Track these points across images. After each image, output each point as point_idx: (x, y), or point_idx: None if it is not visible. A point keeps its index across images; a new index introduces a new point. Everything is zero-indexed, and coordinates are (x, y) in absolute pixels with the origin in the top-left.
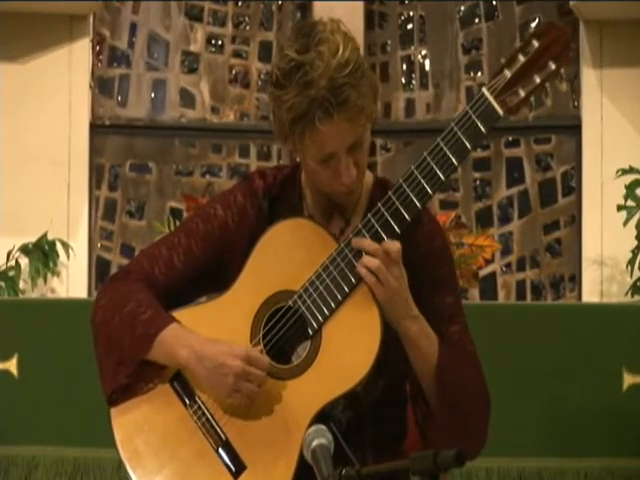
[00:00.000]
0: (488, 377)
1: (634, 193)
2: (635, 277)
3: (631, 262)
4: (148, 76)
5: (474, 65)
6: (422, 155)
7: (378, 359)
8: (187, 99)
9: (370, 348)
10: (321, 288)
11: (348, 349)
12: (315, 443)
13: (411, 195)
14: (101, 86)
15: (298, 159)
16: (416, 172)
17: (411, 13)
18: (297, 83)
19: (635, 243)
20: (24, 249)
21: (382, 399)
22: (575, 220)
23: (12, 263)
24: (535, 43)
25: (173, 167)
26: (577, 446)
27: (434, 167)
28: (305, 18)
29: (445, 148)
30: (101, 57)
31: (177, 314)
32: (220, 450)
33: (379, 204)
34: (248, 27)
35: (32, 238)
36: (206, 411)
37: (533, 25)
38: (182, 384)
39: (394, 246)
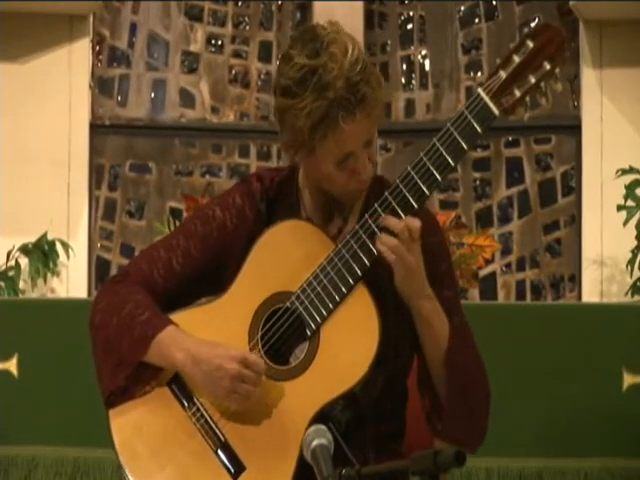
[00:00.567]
0: (488, 377)
1: (634, 193)
2: (635, 277)
3: (631, 262)
4: (148, 76)
5: (474, 65)
6: (418, 155)
7: (377, 359)
8: (187, 99)
9: (368, 348)
10: (319, 289)
11: (346, 349)
12: (315, 443)
13: (407, 195)
14: (101, 86)
15: (301, 165)
16: (412, 172)
17: (411, 13)
18: (313, 88)
19: (635, 243)
20: (24, 249)
21: (382, 395)
22: (575, 220)
23: (12, 263)
24: (530, 44)
25: (173, 167)
26: (577, 446)
27: (430, 167)
28: (305, 18)
29: (441, 148)
30: (101, 57)
31: (175, 316)
32: (219, 451)
33: (376, 205)
34: (248, 27)
35: (32, 238)
36: (204, 412)
37: (533, 25)
38: (180, 386)
39: (415, 223)
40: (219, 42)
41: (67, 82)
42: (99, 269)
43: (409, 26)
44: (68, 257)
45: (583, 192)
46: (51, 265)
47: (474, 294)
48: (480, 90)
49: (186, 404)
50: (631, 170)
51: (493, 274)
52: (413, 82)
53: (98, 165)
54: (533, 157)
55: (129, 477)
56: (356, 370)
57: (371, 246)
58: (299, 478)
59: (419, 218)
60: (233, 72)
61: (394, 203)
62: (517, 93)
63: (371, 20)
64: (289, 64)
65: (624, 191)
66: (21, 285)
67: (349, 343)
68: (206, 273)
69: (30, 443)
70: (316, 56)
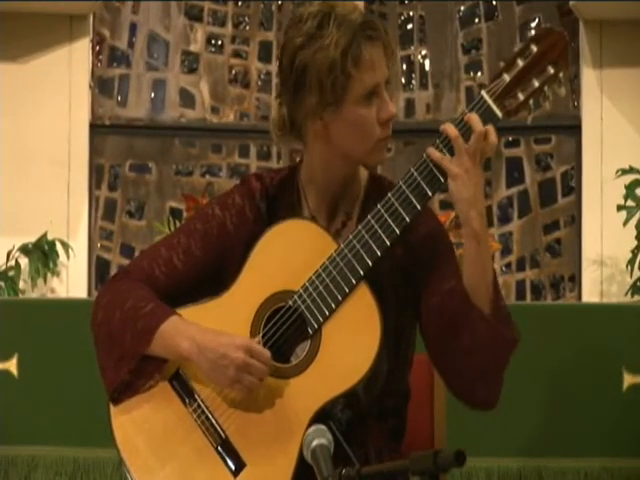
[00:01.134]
0: None
1: (634, 193)
2: (635, 277)
3: (631, 262)
4: (148, 76)
5: (474, 65)
6: (422, 157)
7: (378, 358)
8: (187, 99)
9: (370, 347)
10: (321, 288)
11: (348, 348)
12: (315, 443)
13: (410, 196)
14: (101, 86)
15: (316, 147)
16: (415, 174)
17: (411, 13)
18: (333, 23)
19: (635, 243)
20: (24, 249)
21: (383, 394)
22: (575, 220)
23: (12, 263)
24: (534, 48)
25: (173, 167)
26: (577, 446)
27: (433, 169)
28: None
29: (445, 150)
30: (101, 57)
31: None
32: (220, 448)
33: (378, 205)
34: (248, 27)
35: (32, 238)
36: (205, 409)
37: (533, 25)
38: (181, 383)
39: (493, 137)
40: (219, 42)
41: (67, 82)
42: (99, 269)
43: (409, 26)
44: (68, 257)
45: (583, 192)
46: (51, 265)
47: None
48: (484, 92)
49: (187, 401)
50: (631, 170)
51: None
52: (413, 82)
53: (98, 165)
54: (533, 157)
55: (131, 473)
56: (357, 369)
57: (373, 246)
58: (299, 477)
59: (421, 218)
60: (233, 72)
61: (397, 204)
62: (521, 96)
63: None
64: (301, 22)
65: (624, 191)
66: (21, 285)
67: (351, 342)
68: (207, 271)
69: (30, 443)
70: (325, 4)
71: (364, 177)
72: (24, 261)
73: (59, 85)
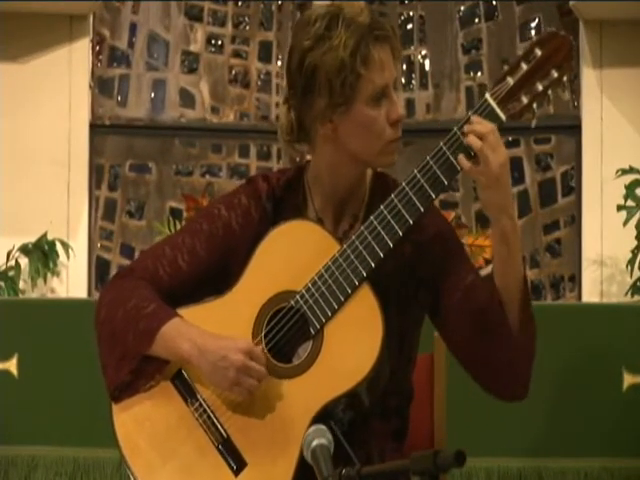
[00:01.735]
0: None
1: (634, 193)
2: (635, 277)
3: (631, 262)
4: (148, 76)
5: (474, 65)
6: (425, 159)
7: (380, 358)
8: (187, 99)
9: (372, 348)
10: (323, 288)
11: (350, 348)
12: (315, 443)
13: (414, 198)
14: (101, 86)
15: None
16: (419, 175)
17: (411, 13)
18: (342, 25)
19: (635, 243)
20: (24, 249)
21: (386, 394)
22: (575, 220)
23: (12, 263)
24: (538, 51)
25: (173, 167)
26: (577, 446)
27: (437, 171)
28: None
29: (448, 152)
30: (101, 57)
31: (179, 313)
32: (221, 447)
33: (382, 206)
34: (248, 27)
35: (32, 238)
36: (207, 408)
37: (533, 25)
38: (183, 383)
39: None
40: (219, 42)
41: (67, 82)
42: (99, 269)
43: (409, 26)
44: (68, 257)
45: (583, 192)
46: (51, 265)
47: None
48: (487, 95)
49: (188, 400)
50: (631, 170)
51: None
52: (413, 82)
53: (98, 165)
54: (533, 157)
55: (132, 471)
56: (359, 369)
57: (376, 247)
58: (300, 477)
59: (428, 217)
60: (233, 72)
61: (400, 206)
62: (524, 100)
63: None
64: (309, 24)
65: (624, 191)
66: (21, 285)
67: (353, 342)
68: (211, 272)
69: (30, 443)
70: (334, 5)
71: (368, 176)
72: (24, 261)
73: (59, 85)
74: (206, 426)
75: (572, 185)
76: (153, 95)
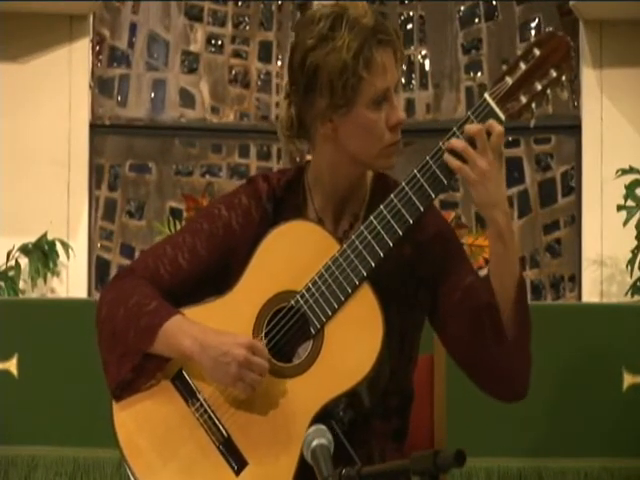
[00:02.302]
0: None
1: (634, 193)
2: (635, 277)
3: (631, 262)
4: (148, 76)
5: (474, 65)
6: (424, 159)
7: (380, 358)
8: (187, 99)
9: (372, 347)
10: (323, 288)
11: (350, 348)
12: (315, 443)
13: (413, 198)
14: (101, 86)
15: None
16: (418, 175)
17: (411, 13)
18: (346, 26)
19: (635, 243)
20: (24, 249)
21: (387, 393)
22: (575, 220)
23: (12, 263)
24: (536, 51)
25: (173, 167)
26: (577, 446)
27: (436, 170)
28: None
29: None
30: (101, 57)
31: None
32: (222, 447)
33: (381, 206)
34: (248, 27)
35: (32, 238)
36: (208, 408)
37: (533, 25)
38: (184, 383)
39: (497, 128)
40: (219, 42)
41: (67, 82)
42: (99, 269)
43: (409, 26)
44: (68, 257)
45: (583, 192)
46: (51, 265)
47: None
48: (486, 95)
49: (189, 400)
50: (631, 170)
51: None
52: (413, 82)
53: (98, 165)
54: (533, 157)
55: (132, 471)
56: (359, 369)
57: (376, 247)
58: (301, 477)
59: (428, 217)
60: (233, 72)
61: (399, 205)
62: (523, 99)
63: None
64: (312, 23)
65: (624, 191)
66: (21, 285)
67: (353, 342)
68: (211, 271)
69: (30, 443)
70: (338, 5)
71: (369, 176)
72: (24, 261)
73: (59, 85)
74: (207, 426)
75: (572, 185)
76: (153, 95)
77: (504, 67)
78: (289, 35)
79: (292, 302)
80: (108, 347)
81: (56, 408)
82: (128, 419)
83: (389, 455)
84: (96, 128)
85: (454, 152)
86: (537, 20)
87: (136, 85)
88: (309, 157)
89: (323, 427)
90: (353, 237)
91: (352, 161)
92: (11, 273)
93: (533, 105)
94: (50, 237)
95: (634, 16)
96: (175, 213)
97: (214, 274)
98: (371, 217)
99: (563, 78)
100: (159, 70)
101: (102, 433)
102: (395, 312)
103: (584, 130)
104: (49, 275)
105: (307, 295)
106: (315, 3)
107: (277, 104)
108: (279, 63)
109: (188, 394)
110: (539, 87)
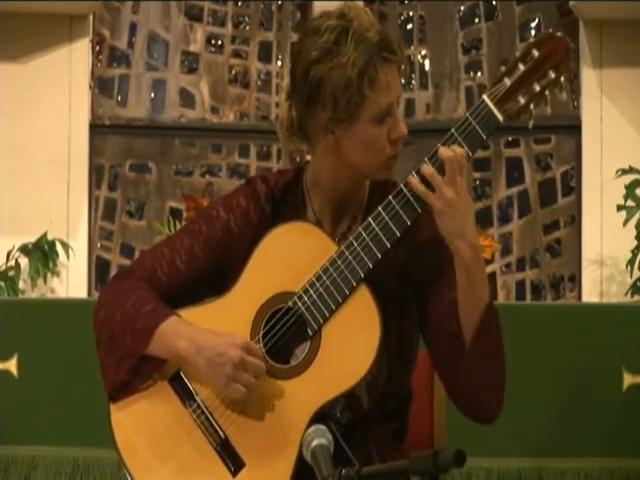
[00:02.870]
0: None
1: (634, 193)
2: (635, 277)
3: (631, 262)
4: (148, 76)
5: (474, 65)
6: (422, 160)
7: (378, 359)
8: (187, 99)
9: (370, 349)
10: (321, 289)
11: (347, 349)
12: (315, 443)
13: (411, 199)
14: (101, 86)
15: (324, 156)
16: (417, 176)
17: (411, 13)
18: (351, 41)
19: (635, 243)
20: (24, 249)
21: (385, 394)
22: (575, 220)
23: (12, 263)
24: (535, 52)
25: (173, 167)
26: (577, 446)
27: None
28: (305, 18)
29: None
30: (101, 57)
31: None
32: (219, 448)
33: (379, 208)
34: (248, 27)
35: (32, 238)
36: (205, 409)
37: (533, 25)
38: (181, 384)
39: (461, 154)
40: (219, 42)
41: (67, 82)
42: (99, 269)
43: (409, 26)
44: (68, 257)
45: (583, 192)
46: (51, 265)
47: None
48: (485, 96)
49: (187, 401)
50: (631, 170)
51: (493, 274)
52: (413, 82)
53: (98, 165)
54: (533, 157)
55: (130, 472)
56: (357, 370)
57: (374, 248)
58: (299, 478)
59: (424, 222)
60: (233, 72)
61: (398, 207)
62: (521, 100)
63: None
64: (317, 34)
65: (624, 191)
66: (21, 285)
67: (350, 343)
68: (209, 273)
69: (30, 443)
70: (343, 17)
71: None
72: (24, 261)
73: (59, 85)
74: (204, 427)
75: (572, 185)
76: (153, 95)
77: (502, 68)
78: (289, 35)
79: (290, 303)
80: (106, 350)
81: (56, 408)
82: (125, 419)
83: (389, 455)
84: (96, 128)
85: (423, 178)
86: (537, 20)
87: (136, 85)
88: (309, 157)
89: (323, 427)
90: (351, 239)
91: (352, 170)
92: (11, 273)
93: (531, 106)
94: (50, 237)
95: (634, 16)
96: (175, 213)
97: (212, 276)
98: (369, 219)
99: (562, 79)
100: (159, 70)
101: (102, 433)
102: (393, 314)
103: (584, 130)
104: (49, 275)
105: (305, 297)
106: (316, 3)
107: (277, 104)
108: (279, 63)
109: (185, 395)
110: (537, 88)
